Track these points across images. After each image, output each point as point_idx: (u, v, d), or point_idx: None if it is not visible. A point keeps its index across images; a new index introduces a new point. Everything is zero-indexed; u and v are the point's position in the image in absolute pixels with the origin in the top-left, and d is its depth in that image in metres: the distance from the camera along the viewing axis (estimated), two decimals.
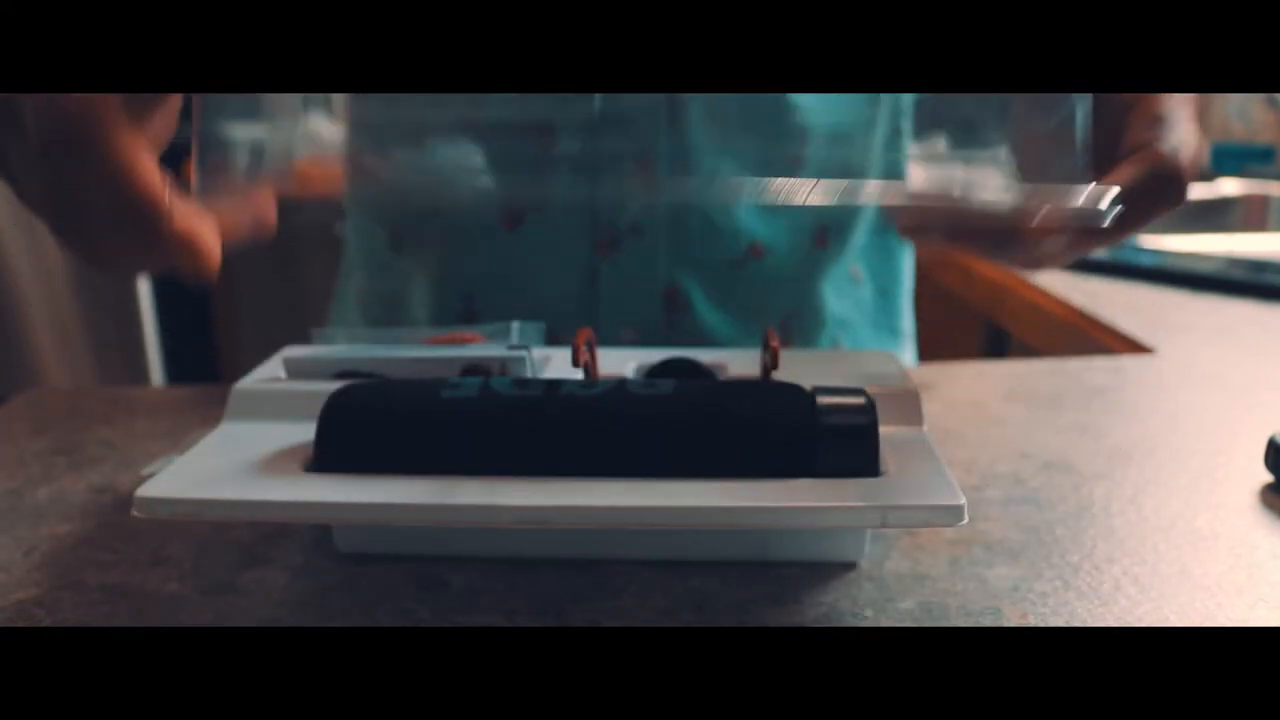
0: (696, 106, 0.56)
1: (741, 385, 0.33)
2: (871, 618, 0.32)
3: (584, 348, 0.36)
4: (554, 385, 0.33)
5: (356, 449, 0.32)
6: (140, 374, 1.74)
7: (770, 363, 0.34)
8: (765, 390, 0.32)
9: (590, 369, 0.37)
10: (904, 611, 0.32)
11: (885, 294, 0.67)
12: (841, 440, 0.31)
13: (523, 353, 0.38)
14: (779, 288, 0.60)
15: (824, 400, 0.32)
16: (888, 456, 0.32)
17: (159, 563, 0.35)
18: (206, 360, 2.01)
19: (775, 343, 0.34)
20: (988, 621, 0.31)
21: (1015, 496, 0.40)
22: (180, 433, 0.49)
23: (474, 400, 0.32)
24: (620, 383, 0.33)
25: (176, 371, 1.83)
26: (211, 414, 0.51)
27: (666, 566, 0.35)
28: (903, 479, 0.31)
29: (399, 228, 0.61)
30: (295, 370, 0.40)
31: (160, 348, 1.78)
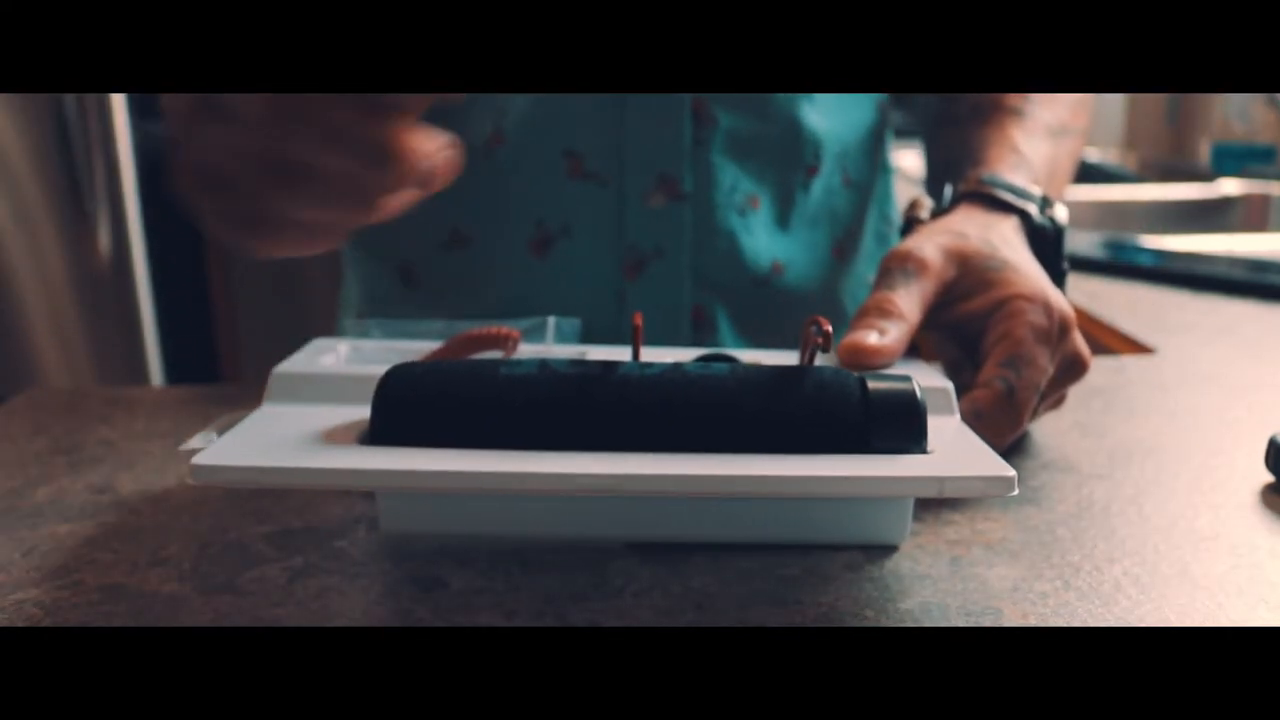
0: (720, 125, 0.56)
1: (794, 368, 0.33)
2: (872, 618, 0.32)
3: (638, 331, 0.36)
4: (611, 365, 0.33)
5: (414, 424, 0.31)
6: (140, 374, 1.74)
7: (825, 345, 0.35)
8: (818, 372, 0.33)
9: (636, 351, 0.37)
10: (904, 611, 0.32)
11: None
12: (894, 417, 0.32)
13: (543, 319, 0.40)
14: (801, 303, 0.60)
15: (874, 383, 0.33)
16: (931, 439, 0.33)
17: (159, 563, 0.35)
18: (206, 360, 2.02)
19: (829, 327, 0.34)
20: (988, 621, 0.31)
21: (1015, 496, 0.40)
22: (181, 433, 0.49)
23: (533, 377, 0.32)
24: (676, 364, 0.33)
25: (176, 371, 1.83)
26: (212, 414, 0.51)
27: (666, 566, 0.35)
28: (952, 456, 0.32)
29: (411, 265, 0.60)
30: (359, 357, 0.41)
31: (160, 348, 1.78)
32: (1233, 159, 1.60)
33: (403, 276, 0.61)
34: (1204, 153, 1.76)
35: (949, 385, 0.37)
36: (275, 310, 2.01)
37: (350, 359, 0.42)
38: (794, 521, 0.36)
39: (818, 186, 0.60)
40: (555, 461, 0.30)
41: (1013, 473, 0.30)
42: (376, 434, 0.32)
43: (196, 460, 0.29)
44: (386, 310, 0.62)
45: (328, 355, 0.41)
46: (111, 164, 1.65)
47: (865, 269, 0.66)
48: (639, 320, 0.36)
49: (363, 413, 0.34)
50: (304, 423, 0.33)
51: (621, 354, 0.42)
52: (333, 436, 0.32)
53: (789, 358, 0.43)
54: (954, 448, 0.33)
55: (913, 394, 0.32)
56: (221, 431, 0.39)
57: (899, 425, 0.32)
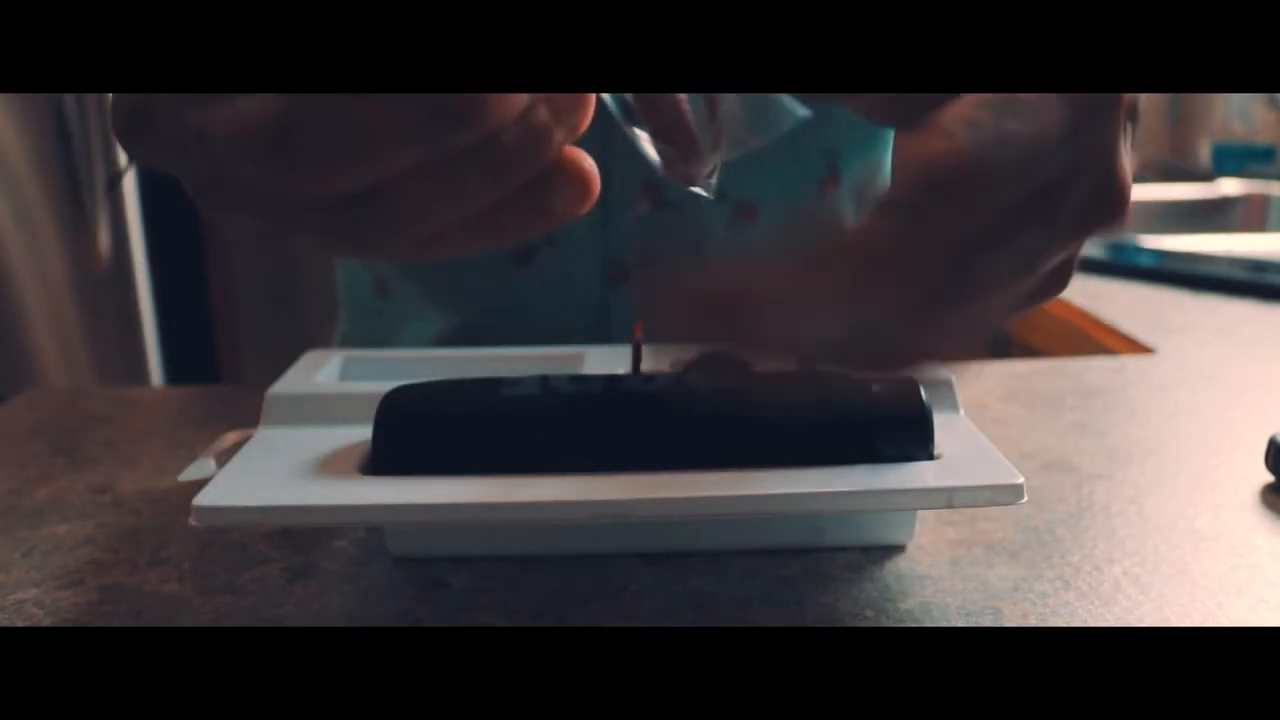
0: None
1: (798, 376, 0.33)
2: (872, 618, 0.32)
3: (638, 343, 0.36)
4: (614, 381, 0.33)
5: (416, 450, 0.31)
6: (140, 374, 1.74)
7: None
8: (821, 380, 0.33)
9: (637, 365, 0.37)
10: (904, 611, 0.32)
11: None
12: (901, 426, 0.32)
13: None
14: None
15: (880, 388, 0.32)
16: (937, 440, 0.32)
17: (159, 563, 0.35)
18: (206, 360, 2.02)
19: None
20: (988, 621, 0.31)
21: None
22: (180, 432, 0.49)
23: (536, 397, 0.32)
24: (679, 377, 0.33)
25: (176, 371, 1.83)
26: (212, 414, 0.51)
27: (667, 566, 0.35)
28: (958, 461, 0.31)
29: (384, 275, 0.60)
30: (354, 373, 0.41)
31: (160, 348, 1.78)
32: (1233, 159, 1.60)
33: (377, 286, 0.60)
34: (1204, 153, 1.76)
35: (951, 378, 0.37)
36: (275, 310, 2.01)
37: (345, 373, 0.42)
38: (802, 529, 0.36)
39: (841, 201, 0.58)
40: (563, 488, 0.29)
41: (1021, 480, 0.30)
42: (378, 459, 0.32)
43: (198, 501, 0.29)
44: (366, 319, 0.62)
45: (322, 371, 0.40)
46: (111, 164, 1.65)
47: None
48: (640, 333, 0.36)
49: (362, 434, 0.34)
50: (303, 449, 0.33)
51: (620, 356, 0.42)
52: (334, 465, 0.32)
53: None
54: (960, 451, 0.32)
55: (919, 399, 0.32)
56: (220, 459, 0.39)
57: (905, 432, 0.32)
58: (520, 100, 0.21)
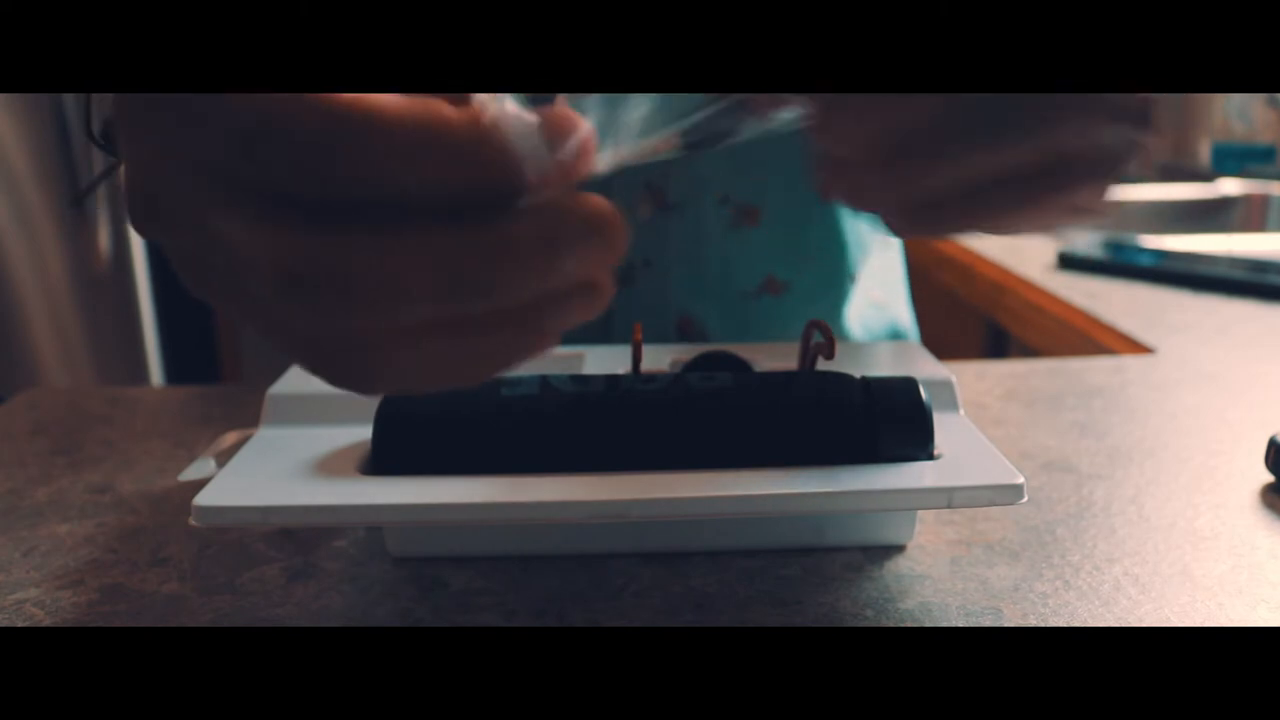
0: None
1: (798, 376, 0.33)
2: (871, 618, 0.32)
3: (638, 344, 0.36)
4: (614, 381, 0.33)
5: (416, 450, 0.31)
6: (140, 374, 1.74)
7: (827, 353, 0.34)
8: (822, 380, 0.33)
9: (637, 365, 0.37)
10: (904, 611, 0.32)
11: (882, 307, 0.66)
12: (900, 425, 0.32)
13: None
14: (797, 320, 0.59)
15: (879, 388, 0.32)
16: (937, 440, 0.33)
17: (159, 563, 0.35)
18: (206, 360, 2.02)
19: (831, 333, 0.34)
20: (988, 621, 0.31)
21: None
22: (180, 433, 0.49)
23: (535, 398, 0.32)
24: (679, 377, 0.33)
25: (176, 371, 1.83)
26: (212, 414, 0.51)
27: (666, 566, 0.35)
28: (959, 461, 0.31)
29: None
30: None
31: (160, 348, 1.78)
32: (1233, 159, 1.60)
33: None
34: (1204, 153, 1.76)
35: (951, 378, 0.37)
36: None
37: None
38: (802, 529, 0.36)
39: (844, 207, 0.58)
40: (562, 488, 0.30)
41: (1022, 479, 0.30)
42: (378, 459, 0.32)
43: (198, 501, 0.29)
44: None
45: None
46: (111, 167, 1.65)
47: (874, 287, 0.64)
48: (639, 334, 0.36)
49: (362, 434, 0.34)
50: (303, 449, 0.33)
51: (620, 356, 0.42)
52: (333, 465, 0.32)
53: (789, 354, 0.42)
54: (960, 451, 0.32)
55: (918, 399, 0.32)
56: (219, 459, 0.39)
57: (905, 432, 0.32)
58: (545, 278, 0.20)
